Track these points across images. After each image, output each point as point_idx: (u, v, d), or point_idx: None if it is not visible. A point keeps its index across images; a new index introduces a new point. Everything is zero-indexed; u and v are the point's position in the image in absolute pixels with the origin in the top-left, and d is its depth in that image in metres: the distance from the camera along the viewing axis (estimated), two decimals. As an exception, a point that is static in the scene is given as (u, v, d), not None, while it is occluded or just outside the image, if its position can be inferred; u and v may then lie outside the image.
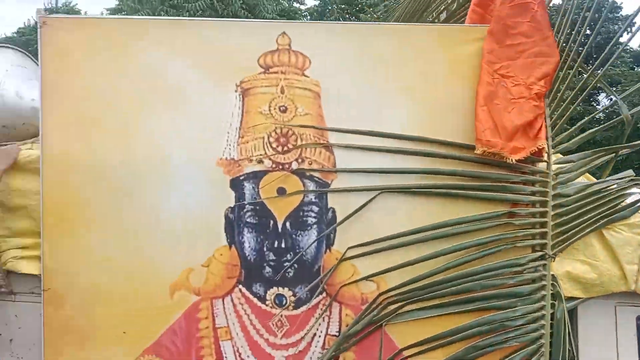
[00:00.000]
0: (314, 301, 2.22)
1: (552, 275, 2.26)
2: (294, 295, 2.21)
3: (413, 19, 3.82)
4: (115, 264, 2.25)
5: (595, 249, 2.32)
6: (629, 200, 2.34)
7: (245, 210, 2.22)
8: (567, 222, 2.28)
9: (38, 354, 2.40)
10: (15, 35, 25.83)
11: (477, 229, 2.23)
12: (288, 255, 2.21)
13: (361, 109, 2.27)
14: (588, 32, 2.62)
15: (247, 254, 2.23)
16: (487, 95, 2.19)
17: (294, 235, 2.22)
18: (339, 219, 2.22)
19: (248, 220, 2.22)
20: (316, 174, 2.23)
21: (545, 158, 2.29)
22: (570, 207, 2.29)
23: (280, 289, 2.22)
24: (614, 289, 2.29)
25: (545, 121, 2.28)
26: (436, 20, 3.80)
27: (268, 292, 2.22)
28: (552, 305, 2.24)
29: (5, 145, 2.54)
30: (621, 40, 8.38)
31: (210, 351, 2.24)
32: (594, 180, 2.46)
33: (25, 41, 24.95)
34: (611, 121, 2.54)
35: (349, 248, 2.22)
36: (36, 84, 2.88)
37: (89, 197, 2.25)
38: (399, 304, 2.21)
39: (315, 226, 2.23)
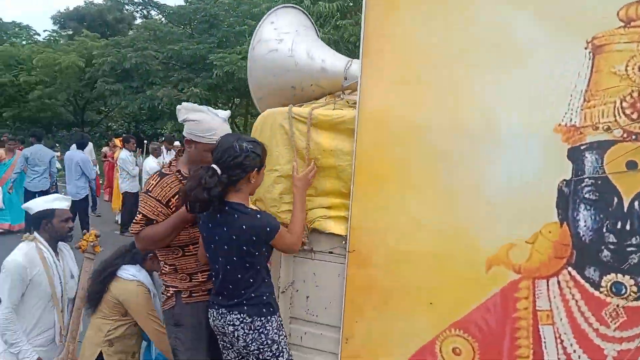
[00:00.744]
0: (662, 295, 1.91)
1: None
2: (636, 285, 1.93)
3: None
4: (428, 227, 2.16)
5: None
6: None
7: (584, 184, 1.96)
8: None
9: (333, 314, 2.42)
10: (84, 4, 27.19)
11: None
12: (633, 240, 1.92)
13: None
14: None
15: (581, 234, 1.97)
16: None
17: (643, 218, 1.91)
18: None
19: (586, 195, 1.96)
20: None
21: None
22: None
23: (619, 276, 1.94)
24: None
25: None
26: None
27: (604, 278, 1.96)
28: None
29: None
30: None
31: (526, 334, 2.07)
32: None
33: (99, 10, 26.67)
34: None
35: None
36: (322, 45, 2.84)
37: (406, 157, 2.16)
38: None
39: (672, 209, 1.90)
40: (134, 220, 2.46)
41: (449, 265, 2.13)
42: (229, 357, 2.38)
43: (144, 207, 2.44)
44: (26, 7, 57.03)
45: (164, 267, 2.58)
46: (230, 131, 2.49)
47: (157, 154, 9.54)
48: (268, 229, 2.20)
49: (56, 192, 9.27)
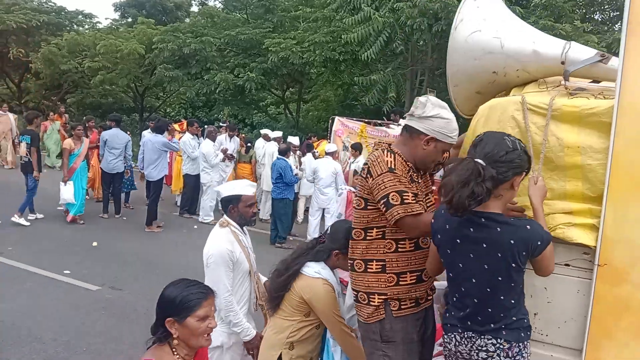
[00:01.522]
0: None
1: None
2: None
3: None
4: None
5: None
6: None
7: None
8: None
9: (568, 335, 2.16)
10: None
11: None
12: None
13: None
14: None
15: None
16: None
17: None
18: None
19: None
20: None
21: None
22: None
23: None
24: None
25: None
26: None
27: None
28: None
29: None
30: None
31: None
32: None
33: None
34: None
35: None
36: (528, 25, 2.57)
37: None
38: None
39: None
40: (406, 201, 2.17)
41: None
42: None
43: (400, 184, 2.20)
44: None
45: (369, 265, 2.35)
46: None
47: (212, 137, 9.71)
48: (539, 242, 1.87)
49: (131, 174, 9.65)
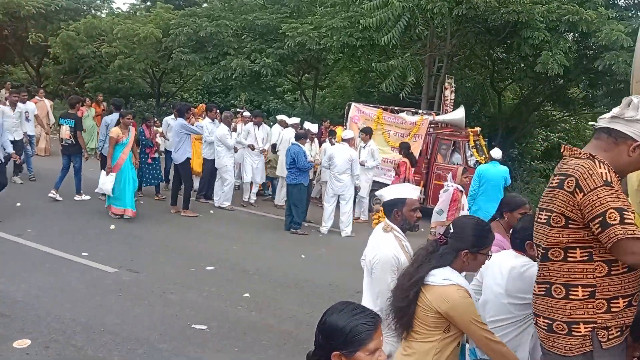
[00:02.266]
0: None
1: None
2: None
3: None
4: None
5: None
6: None
7: None
8: None
9: None
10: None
11: None
12: None
13: None
14: None
15: None
16: None
17: None
18: None
19: None
20: None
21: None
22: None
23: None
24: None
25: None
26: None
27: None
28: None
29: None
30: None
31: None
32: None
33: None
34: None
35: None
36: None
37: None
38: None
39: None
40: (627, 221, 1.91)
41: None
42: None
43: (619, 201, 1.94)
44: None
45: (573, 291, 2.06)
46: None
47: (228, 122, 9.66)
48: None
49: (158, 167, 9.83)
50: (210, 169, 9.72)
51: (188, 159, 8.84)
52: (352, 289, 6.14)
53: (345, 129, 10.38)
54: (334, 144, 9.15)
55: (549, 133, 17.51)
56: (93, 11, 23.17)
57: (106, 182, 7.92)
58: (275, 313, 5.35)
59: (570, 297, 2.06)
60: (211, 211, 9.38)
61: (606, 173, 1.97)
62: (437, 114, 10.72)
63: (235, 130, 9.94)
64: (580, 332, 2.04)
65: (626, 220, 1.90)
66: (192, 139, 9.11)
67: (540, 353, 2.34)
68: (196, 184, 10.09)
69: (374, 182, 10.26)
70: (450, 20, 11.81)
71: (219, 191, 9.58)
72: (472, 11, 11.10)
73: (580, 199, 1.97)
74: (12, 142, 8.46)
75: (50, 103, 13.64)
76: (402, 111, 10.87)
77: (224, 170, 9.42)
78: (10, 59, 25.22)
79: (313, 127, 10.03)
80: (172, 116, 10.11)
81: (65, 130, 8.82)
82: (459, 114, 10.33)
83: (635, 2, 14.69)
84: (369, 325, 1.69)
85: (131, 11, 24.08)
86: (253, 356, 4.45)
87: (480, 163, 9.04)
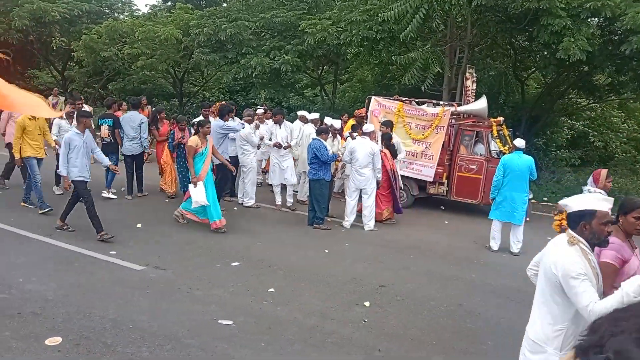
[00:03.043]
0: None
1: None
2: None
3: None
4: None
5: None
6: None
7: None
8: None
9: None
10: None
11: None
12: None
13: None
14: None
15: None
16: None
17: None
18: None
19: None
20: None
21: None
22: None
23: None
24: None
25: None
26: None
27: None
28: None
29: None
30: None
31: None
32: None
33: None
34: None
35: None
36: None
37: None
38: None
39: None
40: None
41: None
42: None
43: None
44: None
45: None
46: None
47: (249, 121, 9.73)
48: None
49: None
50: (234, 166, 9.79)
51: (227, 160, 8.92)
52: (376, 283, 6.15)
53: (366, 122, 10.34)
54: (354, 138, 9.13)
55: (574, 122, 17.16)
56: (115, 14, 23.52)
57: (197, 193, 7.64)
58: (300, 308, 5.38)
59: None
60: (235, 208, 9.46)
61: None
62: (459, 105, 10.60)
63: (257, 127, 9.98)
64: None
65: None
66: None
67: None
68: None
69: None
70: (469, 10, 11.64)
71: (248, 189, 9.64)
72: (491, 1, 10.93)
73: None
74: None
75: (90, 109, 13.62)
76: (424, 103, 10.78)
77: (248, 167, 9.48)
78: (35, 63, 25.85)
79: (336, 123, 9.96)
80: (201, 117, 10.03)
81: (105, 130, 9.40)
82: (481, 104, 10.19)
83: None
84: None
85: (152, 12, 24.35)
86: (279, 350, 4.49)
87: (504, 153, 8.92)
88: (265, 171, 11.42)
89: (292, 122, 10.95)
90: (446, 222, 9.68)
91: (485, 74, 14.58)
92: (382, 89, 17.02)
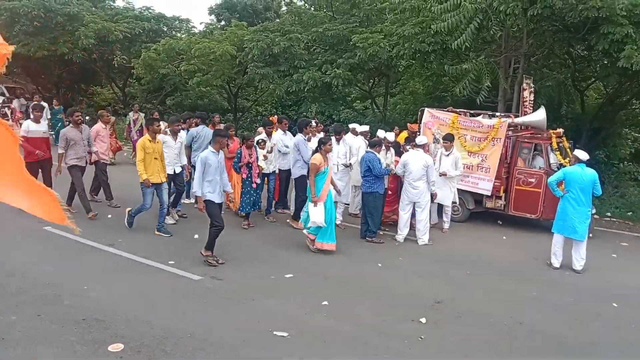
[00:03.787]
0: None
1: None
2: None
3: None
4: None
5: None
6: None
7: None
8: None
9: None
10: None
11: None
12: None
13: None
14: None
15: None
16: None
17: None
18: None
19: None
20: None
21: None
22: None
23: None
24: None
25: None
26: None
27: None
28: None
29: None
30: None
31: None
32: None
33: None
34: None
35: None
36: None
37: None
38: None
39: None
40: None
41: None
42: None
43: None
44: (186, 2, 64.07)
45: None
46: None
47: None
48: None
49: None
50: (285, 179, 9.89)
51: (303, 176, 8.86)
52: (431, 299, 6.03)
53: (419, 134, 10.22)
54: (407, 150, 9.03)
55: (637, 134, 16.36)
56: (173, 32, 24.45)
57: (316, 214, 7.43)
58: (354, 321, 5.33)
59: None
60: (287, 220, 9.53)
61: None
62: (516, 116, 10.31)
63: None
64: None
65: None
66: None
67: None
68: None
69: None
70: (525, 20, 11.36)
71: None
72: (547, 10, 10.63)
73: None
74: (172, 175, 8.62)
75: (165, 124, 13.76)
76: (479, 114, 10.56)
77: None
78: (98, 80, 27.18)
79: (390, 136, 9.80)
80: (263, 133, 10.01)
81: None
82: (540, 115, 9.87)
83: None
84: None
85: (207, 30, 25.15)
86: (334, 364, 4.46)
87: (564, 166, 8.59)
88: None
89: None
90: (504, 237, 9.38)
91: (543, 84, 14.13)
92: (434, 100, 16.82)
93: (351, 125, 10.98)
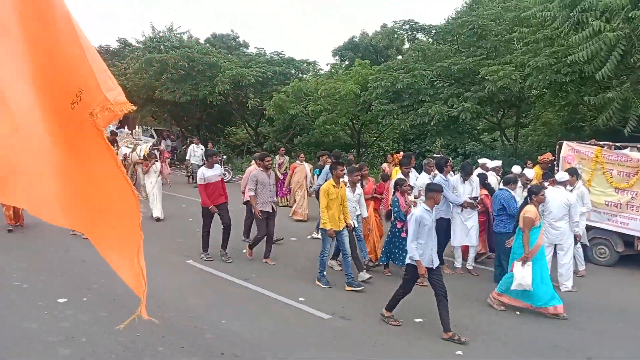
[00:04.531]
0: None
1: None
2: None
3: None
4: None
5: None
6: None
7: None
8: None
9: None
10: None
11: None
12: None
13: None
14: None
15: None
16: None
17: None
18: None
19: None
20: None
21: None
22: None
23: None
24: None
25: None
26: None
27: None
28: None
29: None
30: None
31: None
32: None
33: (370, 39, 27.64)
34: None
35: None
36: None
37: None
38: None
39: None
40: None
41: None
42: None
43: None
44: (313, 45, 68.75)
45: None
46: None
47: (428, 170, 9.46)
48: None
49: None
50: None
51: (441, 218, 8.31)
52: (582, 353, 5.48)
53: (557, 170, 9.54)
54: (546, 187, 8.44)
55: None
56: (300, 74, 25.72)
57: (524, 274, 6.53)
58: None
59: None
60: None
61: None
62: (672, 149, 9.23)
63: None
64: None
65: None
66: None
67: None
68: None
69: (596, 229, 9.19)
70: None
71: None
72: None
73: None
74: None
75: (309, 167, 13.61)
76: (625, 147, 9.62)
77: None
78: (233, 121, 29.38)
79: (528, 173, 9.13)
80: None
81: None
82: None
83: None
84: None
85: (332, 71, 26.08)
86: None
87: None
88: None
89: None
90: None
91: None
92: (569, 131, 15.67)
93: (481, 161, 10.53)
